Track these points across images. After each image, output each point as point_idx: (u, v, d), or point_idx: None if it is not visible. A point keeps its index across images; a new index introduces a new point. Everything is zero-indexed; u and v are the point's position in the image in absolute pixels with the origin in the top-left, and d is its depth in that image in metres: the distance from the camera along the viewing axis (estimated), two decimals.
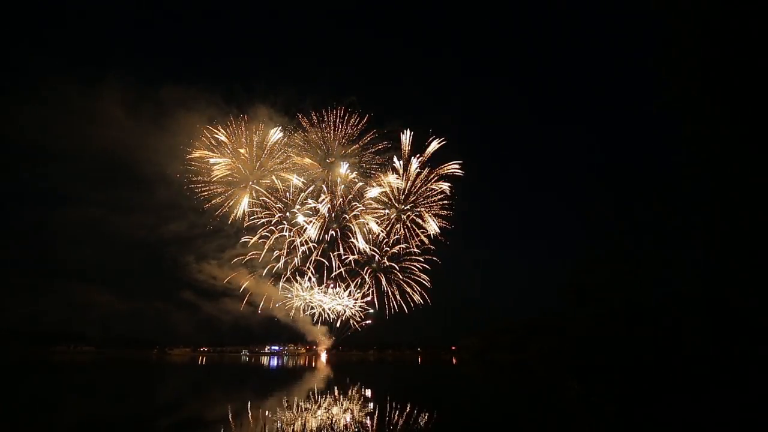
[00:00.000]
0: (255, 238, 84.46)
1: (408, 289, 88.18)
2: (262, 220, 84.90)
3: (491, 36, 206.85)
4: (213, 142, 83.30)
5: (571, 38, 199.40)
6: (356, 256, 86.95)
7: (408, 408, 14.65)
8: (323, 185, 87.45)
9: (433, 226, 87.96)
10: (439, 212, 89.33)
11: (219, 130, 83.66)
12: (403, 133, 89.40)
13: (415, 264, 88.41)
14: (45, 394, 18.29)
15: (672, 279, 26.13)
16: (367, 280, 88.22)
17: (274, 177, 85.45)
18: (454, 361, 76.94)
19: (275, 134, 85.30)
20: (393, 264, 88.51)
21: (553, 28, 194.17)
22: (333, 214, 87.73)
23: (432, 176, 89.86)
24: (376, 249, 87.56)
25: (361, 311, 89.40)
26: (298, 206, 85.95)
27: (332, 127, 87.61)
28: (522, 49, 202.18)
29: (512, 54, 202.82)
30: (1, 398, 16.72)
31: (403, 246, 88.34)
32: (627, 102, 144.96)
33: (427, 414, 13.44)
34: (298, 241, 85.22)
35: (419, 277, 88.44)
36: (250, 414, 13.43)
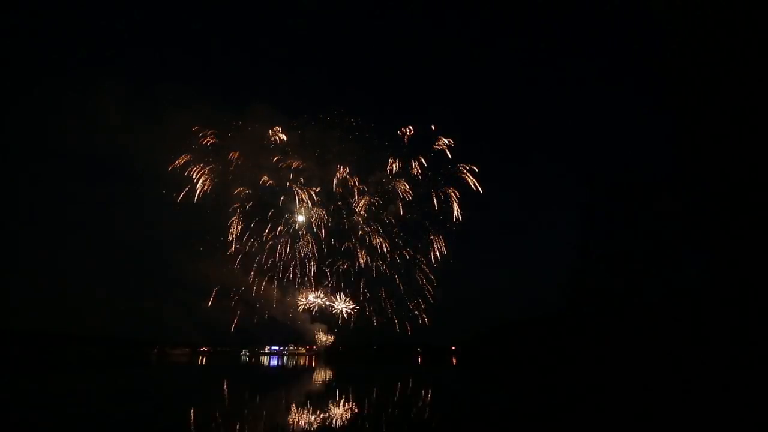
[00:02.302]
0: (251, 241, 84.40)
1: (408, 300, 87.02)
2: (258, 223, 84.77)
3: (492, 32, 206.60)
4: (204, 144, 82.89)
5: (570, 37, 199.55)
6: (354, 261, 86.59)
7: (404, 404, 14.70)
8: (320, 187, 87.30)
9: (438, 249, 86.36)
10: (445, 220, 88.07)
11: (212, 131, 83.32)
12: (406, 134, 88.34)
13: (418, 275, 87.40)
14: (45, 394, 18.33)
15: (672, 279, 26.23)
16: (362, 289, 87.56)
17: (270, 179, 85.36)
18: (454, 361, 76.95)
19: (273, 134, 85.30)
20: (394, 271, 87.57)
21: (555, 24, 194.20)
22: (330, 217, 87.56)
23: (440, 179, 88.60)
24: (377, 257, 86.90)
25: (356, 315, 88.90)
26: (295, 209, 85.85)
27: (332, 127, 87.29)
28: (524, 48, 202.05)
29: (514, 51, 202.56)
30: (1, 399, 16.75)
31: (404, 251, 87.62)
32: (627, 103, 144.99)
33: (422, 409, 13.49)
34: (297, 245, 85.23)
35: (421, 284, 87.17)
36: (249, 413, 13.48)
